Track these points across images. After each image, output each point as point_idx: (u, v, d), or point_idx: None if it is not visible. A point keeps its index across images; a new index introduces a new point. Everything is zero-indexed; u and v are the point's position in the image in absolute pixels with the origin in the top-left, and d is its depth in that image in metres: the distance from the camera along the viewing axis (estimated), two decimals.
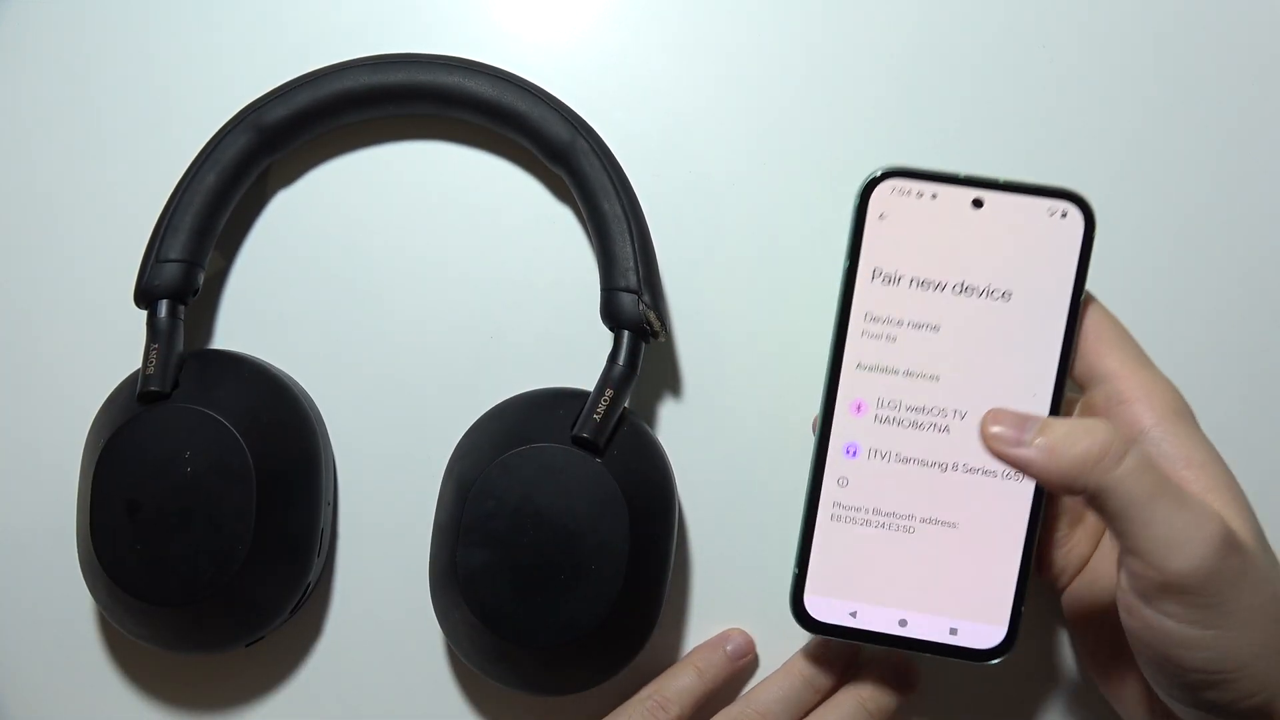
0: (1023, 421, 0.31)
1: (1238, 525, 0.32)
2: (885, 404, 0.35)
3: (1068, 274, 0.35)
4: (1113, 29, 0.44)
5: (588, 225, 0.41)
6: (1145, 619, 0.31)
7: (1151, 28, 0.44)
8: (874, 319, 0.35)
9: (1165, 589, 0.30)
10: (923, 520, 0.36)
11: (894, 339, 0.35)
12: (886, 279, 0.35)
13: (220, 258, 0.43)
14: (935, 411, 0.35)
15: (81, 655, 0.42)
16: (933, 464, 0.35)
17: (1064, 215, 0.35)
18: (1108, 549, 0.37)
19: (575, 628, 0.36)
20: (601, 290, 0.39)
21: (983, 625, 0.36)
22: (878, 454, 0.36)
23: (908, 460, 0.36)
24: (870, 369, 0.35)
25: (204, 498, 0.37)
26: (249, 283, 0.43)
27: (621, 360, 0.38)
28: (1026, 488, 0.35)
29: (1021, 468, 0.30)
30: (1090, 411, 0.35)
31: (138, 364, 0.39)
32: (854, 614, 0.36)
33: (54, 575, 0.41)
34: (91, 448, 0.38)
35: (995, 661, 0.36)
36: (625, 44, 0.44)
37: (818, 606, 0.36)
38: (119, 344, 0.42)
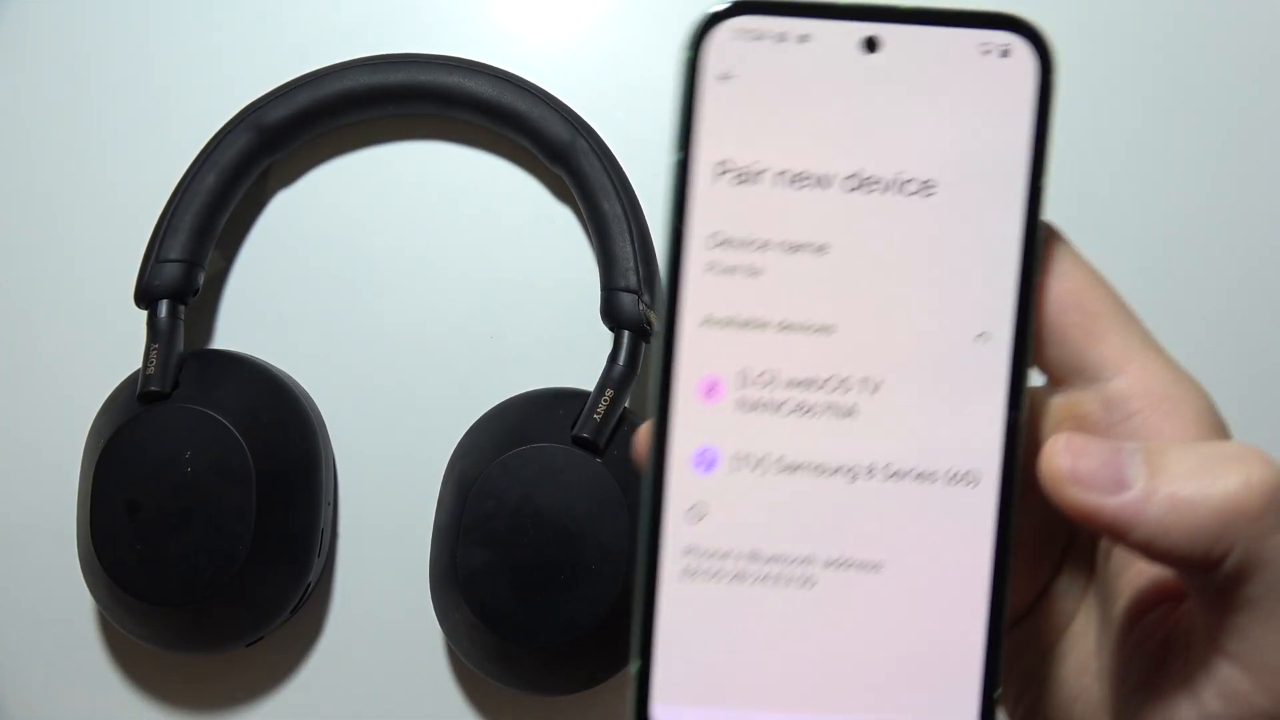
0: (1118, 453, 0.20)
1: None
2: (753, 379, 0.23)
3: (1018, 145, 0.23)
4: (1113, 29, 0.44)
5: (588, 225, 0.41)
6: None
7: (1151, 28, 0.44)
8: (724, 242, 0.23)
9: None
10: (828, 563, 0.23)
11: (758, 272, 0.23)
12: (739, 176, 0.23)
13: (220, 258, 0.43)
14: (833, 384, 0.23)
15: (81, 655, 0.42)
16: (836, 470, 0.23)
17: (1004, 54, 0.23)
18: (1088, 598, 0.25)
19: (575, 628, 0.36)
20: (601, 290, 0.39)
21: None
22: (747, 462, 0.23)
23: (795, 468, 0.23)
24: (726, 324, 0.23)
25: (204, 498, 0.37)
26: (249, 283, 0.43)
27: (622, 360, 0.38)
28: (986, 496, 0.22)
29: (1123, 531, 0.20)
30: (1080, 424, 0.23)
31: (138, 364, 0.39)
32: None
33: (54, 575, 0.41)
34: (92, 448, 0.38)
35: None
36: (625, 44, 0.44)
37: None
38: (119, 344, 0.41)
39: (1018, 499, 0.22)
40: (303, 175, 0.43)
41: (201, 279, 0.40)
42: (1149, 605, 0.22)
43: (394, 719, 0.42)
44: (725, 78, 0.23)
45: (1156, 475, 0.20)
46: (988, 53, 0.23)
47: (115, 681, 0.42)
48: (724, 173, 0.23)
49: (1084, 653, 0.24)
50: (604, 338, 0.39)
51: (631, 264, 0.39)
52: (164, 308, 0.39)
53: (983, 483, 0.22)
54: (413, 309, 0.43)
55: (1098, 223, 0.31)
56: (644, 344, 0.39)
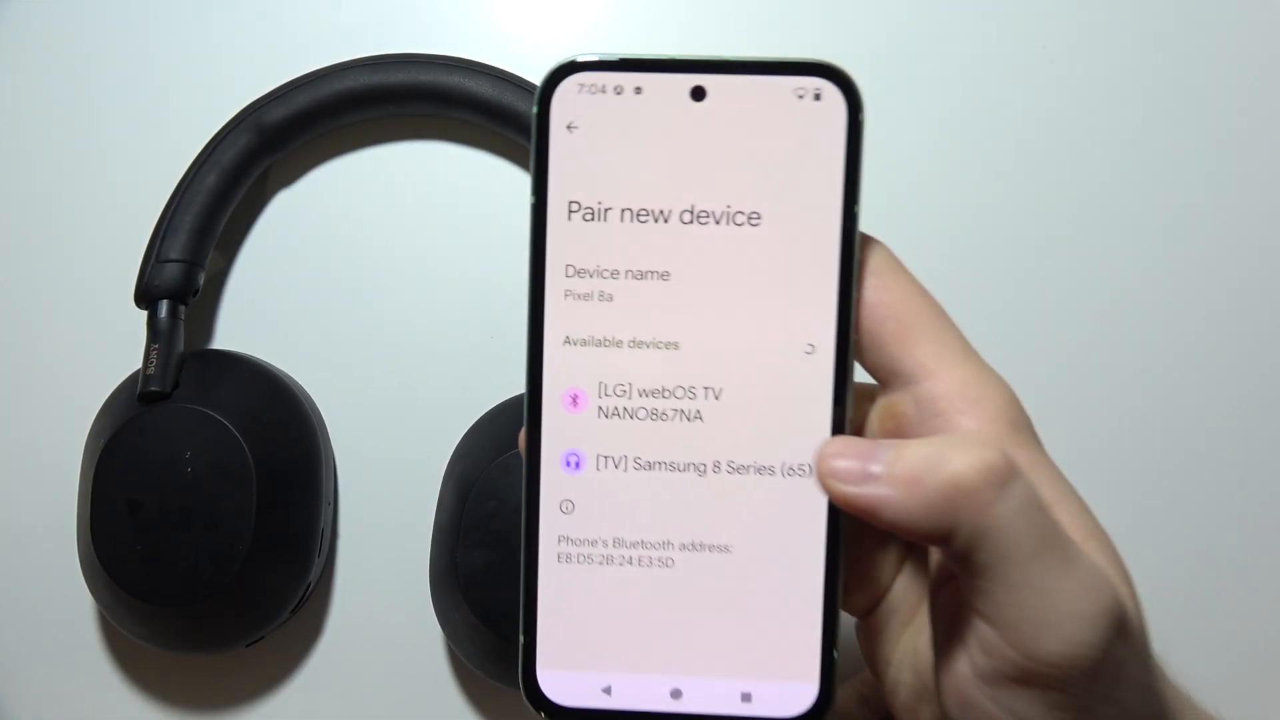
0: (870, 449, 0.24)
1: (1124, 594, 0.24)
2: (610, 390, 0.26)
3: (832, 177, 0.26)
4: (1113, 29, 0.44)
5: None
6: (987, 717, 0.24)
7: (1151, 28, 0.44)
8: (579, 272, 0.26)
9: (1027, 678, 0.23)
10: (684, 546, 0.26)
11: (610, 297, 0.26)
12: (589, 214, 0.26)
13: (220, 258, 0.43)
14: (680, 393, 0.26)
15: (81, 655, 0.42)
16: (686, 466, 0.26)
17: (817, 96, 0.25)
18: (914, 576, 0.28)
19: None
20: None
21: (785, 684, 0.26)
22: (609, 462, 0.26)
23: (650, 465, 0.26)
24: (583, 343, 0.26)
25: (204, 498, 0.37)
26: (249, 283, 0.43)
27: None
28: (817, 484, 0.26)
29: (874, 514, 0.23)
30: (895, 423, 0.26)
31: (138, 364, 0.39)
32: (608, 689, 0.27)
33: (54, 575, 0.41)
34: (92, 448, 0.38)
35: None
36: (625, 44, 0.44)
37: (557, 685, 0.27)
38: (119, 344, 0.41)
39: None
40: (303, 175, 0.43)
41: (202, 279, 0.40)
42: (944, 580, 0.26)
43: (394, 719, 0.42)
44: (571, 127, 0.26)
45: (895, 464, 0.23)
46: (802, 97, 0.25)
47: (115, 681, 0.42)
48: (575, 212, 0.26)
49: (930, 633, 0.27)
50: None
51: None
52: (164, 308, 0.39)
53: (814, 472, 0.26)
54: (413, 309, 0.43)
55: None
56: None
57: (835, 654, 0.26)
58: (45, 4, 0.44)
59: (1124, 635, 0.23)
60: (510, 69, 0.41)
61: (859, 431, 0.27)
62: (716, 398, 0.26)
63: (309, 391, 0.42)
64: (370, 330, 0.43)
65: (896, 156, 0.43)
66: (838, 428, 0.26)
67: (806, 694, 0.26)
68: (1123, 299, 0.43)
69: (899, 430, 0.26)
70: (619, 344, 0.26)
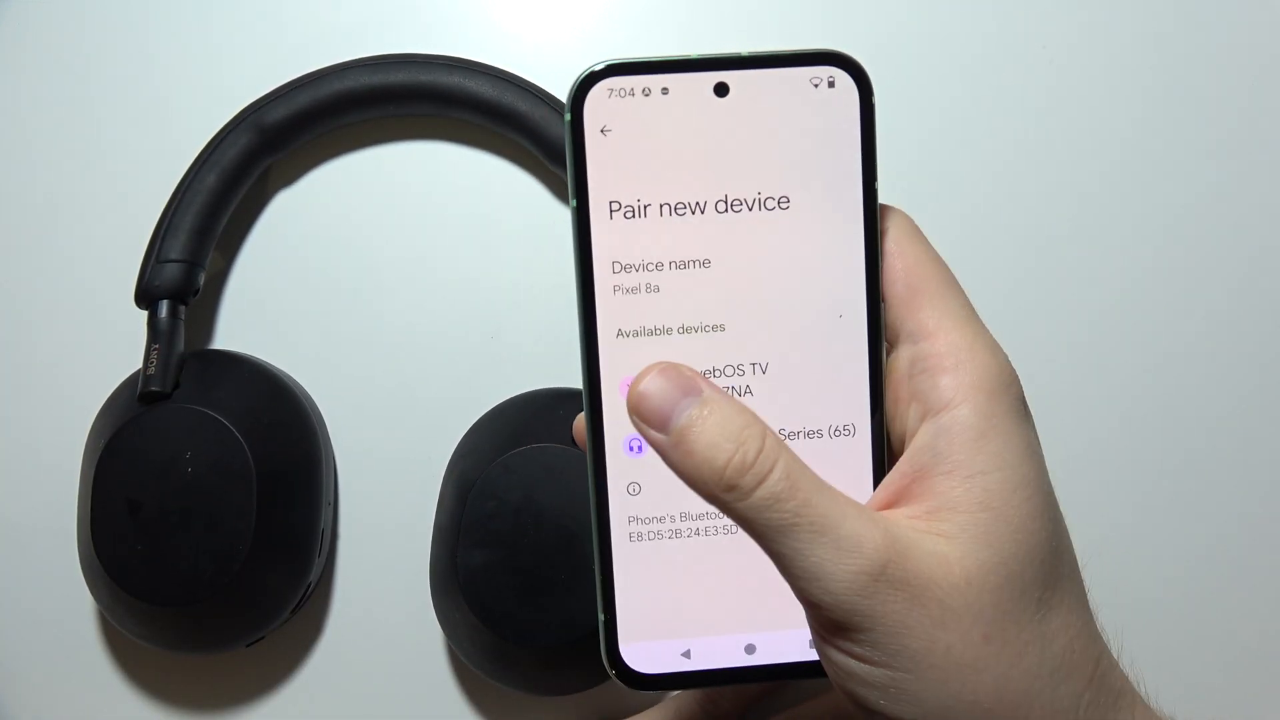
0: (687, 385, 0.25)
1: (1009, 554, 0.25)
2: None
3: (851, 158, 0.27)
4: (1113, 29, 0.44)
5: None
6: (822, 650, 0.26)
7: (1151, 28, 0.44)
8: (625, 268, 0.27)
9: (818, 622, 0.25)
10: None
11: (657, 289, 0.27)
12: (630, 212, 0.27)
13: (221, 258, 0.43)
14: (729, 371, 0.28)
15: (81, 655, 0.42)
16: None
17: (831, 84, 0.27)
18: None
19: (575, 628, 0.36)
20: None
21: None
22: None
23: None
24: (635, 335, 0.28)
25: (205, 498, 0.37)
26: (249, 283, 0.43)
27: None
28: (862, 442, 0.28)
29: (658, 453, 0.25)
30: (892, 378, 0.28)
31: (138, 364, 0.39)
32: (687, 654, 0.28)
33: (55, 575, 0.41)
34: (92, 448, 0.38)
35: None
36: (625, 44, 0.44)
37: (640, 656, 0.28)
38: (120, 344, 0.41)
39: (887, 442, 0.28)
40: (303, 175, 0.43)
41: (202, 279, 0.40)
42: None
43: (394, 719, 0.42)
44: (605, 131, 0.27)
45: (687, 417, 0.24)
46: (817, 85, 0.27)
47: (115, 681, 0.42)
48: (616, 211, 0.27)
49: None
50: None
51: None
52: (164, 308, 0.39)
53: (858, 431, 0.28)
54: (413, 309, 0.43)
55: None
56: None
57: None
58: (45, 4, 0.44)
59: (894, 585, 0.25)
60: (510, 69, 0.41)
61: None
62: (763, 371, 0.28)
63: (309, 391, 0.42)
64: (370, 330, 0.43)
65: (896, 157, 0.43)
66: (875, 387, 0.28)
67: None
68: (1122, 299, 0.43)
69: (889, 384, 0.28)
70: (669, 331, 0.28)
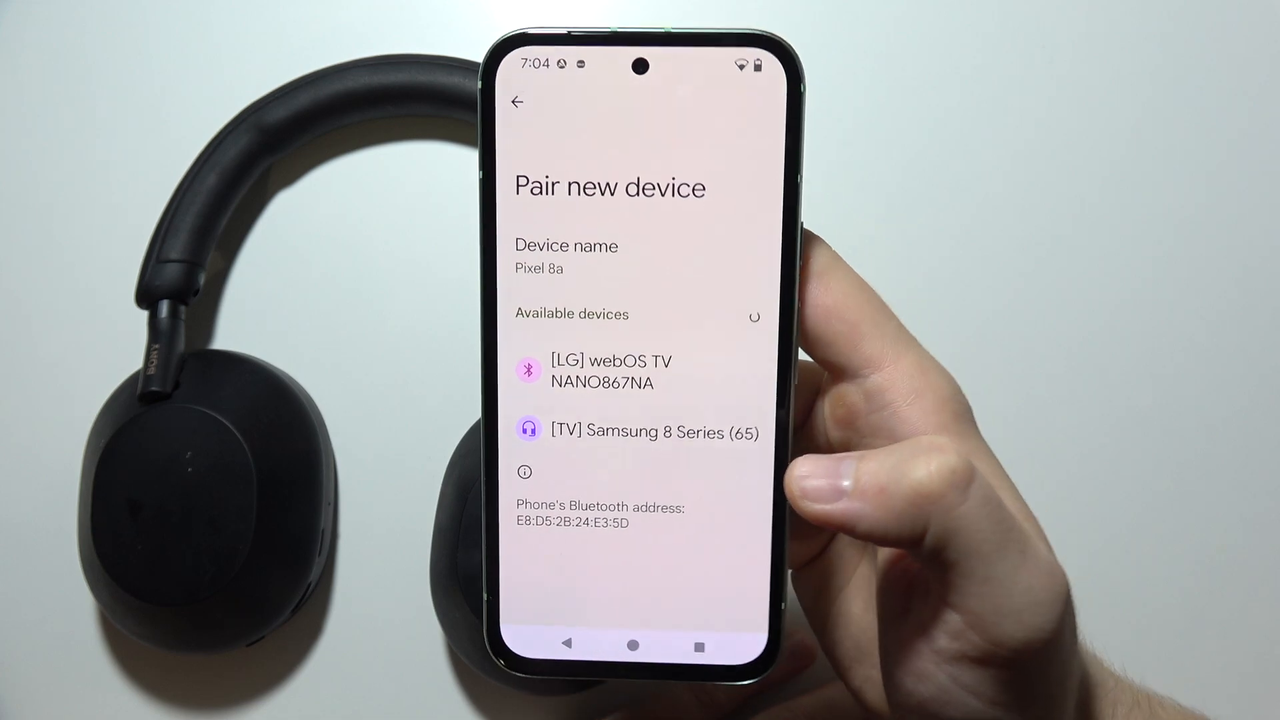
0: (835, 466, 0.24)
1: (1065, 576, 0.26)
2: (563, 360, 0.27)
3: (774, 148, 0.26)
4: (1112, 29, 0.44)
5: None
6: (940, 688, 0.25)
7: (1151, 28, 0.44)
8: (529, 245, 0.26)
9: (987, 660, 0.24)
10: (637, 508, 0.27)
11: (560, 269, 0.27)
12: (537, 188, 0.26)
13: (221, 258, 0.43)
14: (630, 361, 0.27)
15: (81, 655, 0.42)
16: (638, 432, 0.27)
17: (757, 67, 0.26)
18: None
19: None
20: None
21: (735, 634, 0.28)
22: (563, 429, 0.27)
23: (604, 431, 0.27)
24: (535, 315, 0.27)
25: (205, 498, 0.37)
26: (249, 283, 0.43)
27: None
28: (765, 448, 0.27)
29: (849, 528, 0.24)
30: (846, 411, 0.27)
31: (139, 364, 0.39)
32: (568, 642, 0.28)
33: (55, 575, 0.41)
34: (93, 448, 0.38)
35: (754, 680, 0.28)
36: None
37: (521, 639, 0.28)
38: (120, 344, 0.42)
39: (791, 449, 0.27)
40: (303, 175, 0.43)
41: (202, 279, 0.40)
42: (896, 557, 0.27)
43: (394, 719, 0.42)
44: (516, 102, 0.26)
45: (861, 478, 0.24)
46: (743, 67, 0.26)
47: (115, 681, 0.42)
48: (523, 186, 0.26)
49: (868, 594, 0.29)
50: None
51: None
52: (165, 308, 0.39)
53: (761, 436, 0.27)
54: (413, 309, 0.43)
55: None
56: None
57: (784, 605, 0.28)
58: (45, 4, 0.44)
59: (1070, 614, 0.25)
60: None
61: (810, 418, 0.29)
62: (666, 365, 0.27)
63: (309, 391, 0.42)
64: (370, 330, 0.43)
65: (896, 157, 0.43)
66: (782, 393, 0.27)
67: (756, 643, 0.28)
68: (1121, 299, 0.43)
69: (850, 418, 0.27)
70: (570, 314, 0.27)
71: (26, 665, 0.42)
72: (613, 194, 0.26)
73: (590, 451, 0.27)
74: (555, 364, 0.27)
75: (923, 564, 0.24)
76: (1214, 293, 0.43)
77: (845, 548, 0.30)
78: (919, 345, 0.27)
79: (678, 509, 0.27)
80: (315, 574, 0.40)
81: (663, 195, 0.26)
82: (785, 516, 0.27)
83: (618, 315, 0.27)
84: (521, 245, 0.26)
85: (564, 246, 0.26)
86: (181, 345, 0.39)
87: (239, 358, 0.40)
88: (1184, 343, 0.43)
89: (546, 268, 0.26)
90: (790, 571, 0.30)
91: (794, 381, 0.27)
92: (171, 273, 0.39)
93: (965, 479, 0.23)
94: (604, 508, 0.27)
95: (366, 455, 0.42)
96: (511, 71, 0.26)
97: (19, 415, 0.42)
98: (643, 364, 0.27)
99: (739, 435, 0.27)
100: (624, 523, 0.27)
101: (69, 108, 0.43)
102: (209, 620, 0.38)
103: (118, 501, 0.37)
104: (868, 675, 0.29)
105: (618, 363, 0.27)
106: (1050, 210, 0.43)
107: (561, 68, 0.26)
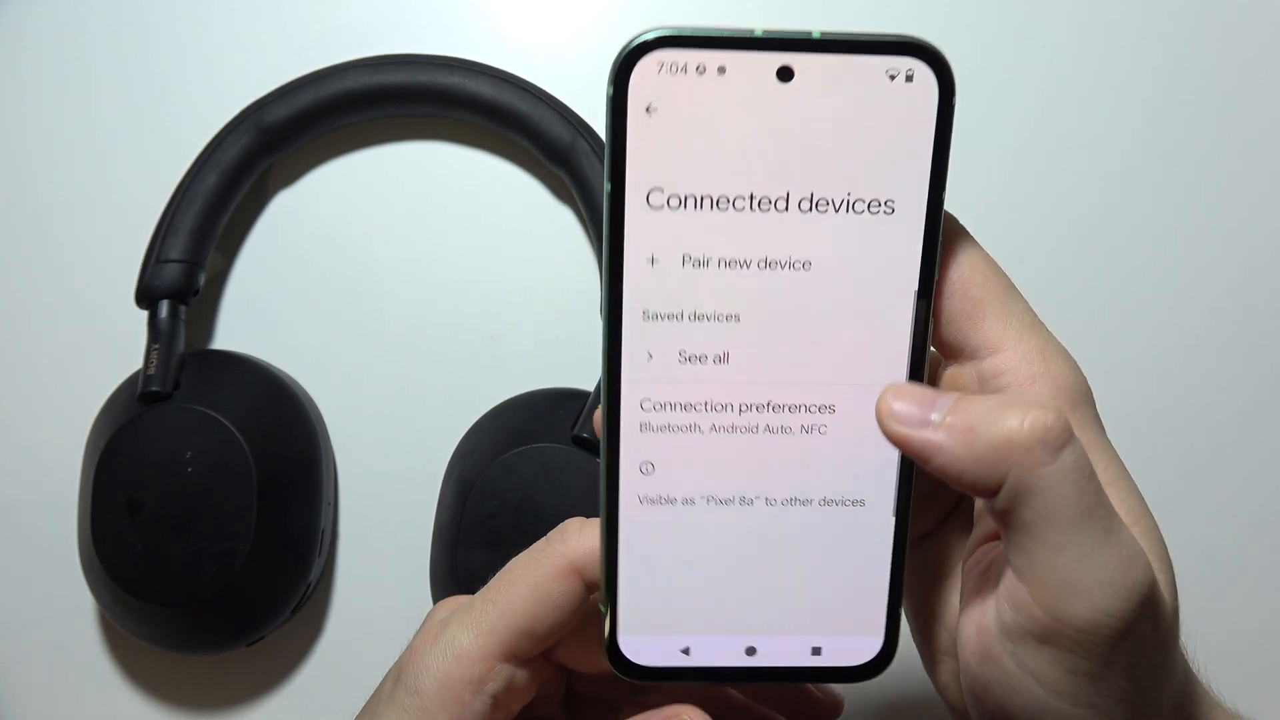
0: (931, 398, 0.23)
1: (1162, 579, 0.24)
2: (689, 357, 0.26)
3: (921, 164, 0.25)
4: (1112, 29, 0.44)
5: (588, 225, 0.41)
6: (1004, 671, 0.24)
7: (1151, 28, 0.44)
8: (657, 260, 0.25)
9: (1049, 637, 0.23)
10: (757, 510, 0.27)
11: (695, 282, 0.26)
12: (673, 201, 0.25)
13: (221, 258, 0.43)
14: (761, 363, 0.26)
15: (82, 655, 0.42)
16: (761, 429, 0.26)
17: (909, 78, 0.24)
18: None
19: None
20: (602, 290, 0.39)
21: (852, 637, 0.27)
22: (685, 427, 0.26)
23: (725, 429, 0.26)
24: (664, 318, 0.26)
25: (205, 498, 0.37)
26: (249, 283, 0.43)
27: None
28: (889, 450, 0.26)
29: (926, 458, 0.23)
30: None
31: (139, 364, 0.39)
32: (686, 650, 0.27)
33: (55, 575, 0.41)
34: (93, 448, 0.38)
35: (872, 679, 0.28)
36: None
37: (639, 648, 0.27)
38: (120, 344, 0.41)
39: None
40: (303, 175, 0.43)
41: (202, 279, 0.40)
42: (984, 540, 0.26)
43: None
44: (650, 110, 0.24)
45: (954, 414, 0.23)
46: (894, 78, 0.24)
47: (115, 681, 0.42)
48: (655, 200, 0.25)
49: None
50: None
51: None
52: (165, 308, 0.39)
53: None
54: (413, 309, 0.43)
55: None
56: None
57: (901, 608, 0.27)
58: (45, 4, 0.44)
59: (1151, 616, 0.23)
60: (510, 69, 0.41)
61: None
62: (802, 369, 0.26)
63: (309, 392, 0.42)
64: (370, 331, 0.43)
65: None
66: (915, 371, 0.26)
67: (872, 645, 0.27)
68: (1121, 299, 0.43)
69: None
70: (702, 319, 0.26)
71: (26, 665, 0.42)
72: (750, 209, 0.25)
73: (711, 450, 0.26)
74: (682, 361, 0.26)
75: (996, 520, 0.23)
76: (1214, 292, 0.43)
77: (956, 536, 0.29)
78: (1046, 330, 0.26)
79: (799, 510, 0.27)
80: (315, 574, 0.40)
81: (803, 211, 0.25)
82: (909, 514, 0.26)
83: (729, 318, 0.26)
84: (655, 260, 0.25)
85: (701, 263, 0.25)
86: (181, 345, 0.39)
87: (239, 358, 0.40)
88: (1184, 342, 0.43)
89: (681, 280, 0.25)
90: None
91: (924, 380, 0.26)
92: (171, 273, 0.39)
93: (1059, 440, 0.22)
94: (729, 505, 0.26)
95: (366, 455, 0.42)
96: (646, 77, 0.24)
97: (19, 415, 0.42)
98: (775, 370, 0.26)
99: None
100: (747, 524, 0.26)
101: (69, 108, 0.43)
102: (209, 620, 0.38)
103: (118, 502, 0.37)
104: (954, 669, 0.28)
105: (745, 365, 0.26)
106: (1050, 210, 0.43)
107: (701, 74, 0.24)
